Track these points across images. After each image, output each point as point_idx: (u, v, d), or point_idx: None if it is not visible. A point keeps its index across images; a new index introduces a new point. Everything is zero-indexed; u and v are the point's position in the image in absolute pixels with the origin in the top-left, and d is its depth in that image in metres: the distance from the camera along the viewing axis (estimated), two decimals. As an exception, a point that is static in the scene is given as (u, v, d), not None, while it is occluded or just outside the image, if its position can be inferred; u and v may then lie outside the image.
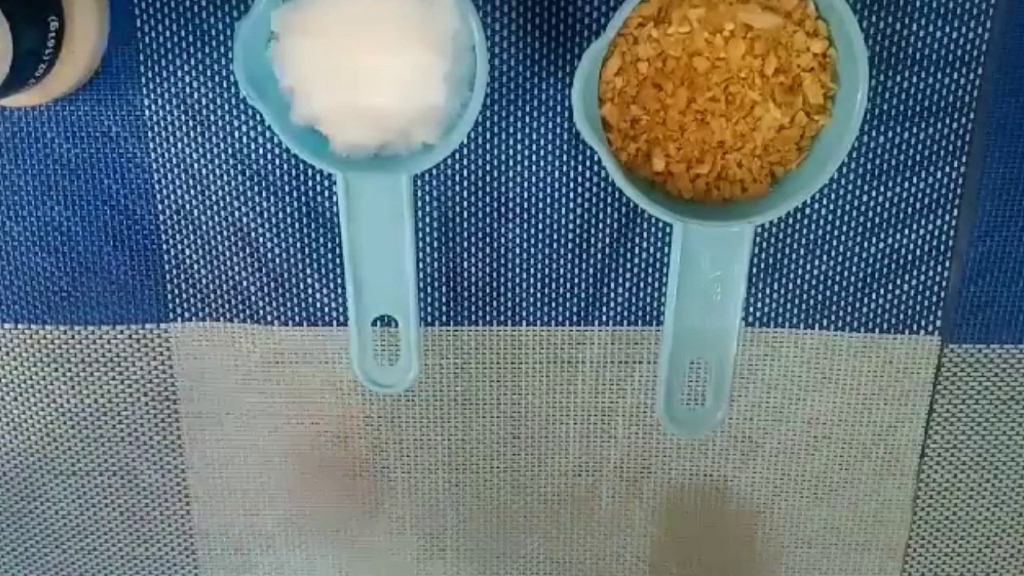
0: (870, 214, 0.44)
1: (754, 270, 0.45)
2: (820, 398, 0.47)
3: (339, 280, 0.46)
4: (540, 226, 0.45)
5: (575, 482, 0.49)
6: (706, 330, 0.42)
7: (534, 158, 0.44)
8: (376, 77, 0.38)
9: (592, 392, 0.48)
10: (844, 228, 0.44)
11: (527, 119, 0.43)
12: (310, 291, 0.46)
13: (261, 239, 0.45)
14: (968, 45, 0.41)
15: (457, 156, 0.44)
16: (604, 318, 0.46)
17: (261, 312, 0.46)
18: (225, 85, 0.43)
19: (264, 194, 0.44)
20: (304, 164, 0.44)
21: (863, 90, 0.38)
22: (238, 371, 0.47)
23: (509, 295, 0.46)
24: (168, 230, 0.45)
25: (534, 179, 0.44)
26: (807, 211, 0.44)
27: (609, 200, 0.44)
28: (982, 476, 0.49)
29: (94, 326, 0.47)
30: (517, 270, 0.46)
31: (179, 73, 0.43)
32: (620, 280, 0.46)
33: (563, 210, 0.45)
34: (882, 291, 0.45)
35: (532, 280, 0.46)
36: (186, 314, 0.46)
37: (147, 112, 0.43)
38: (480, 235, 0.45)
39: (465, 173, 0.44)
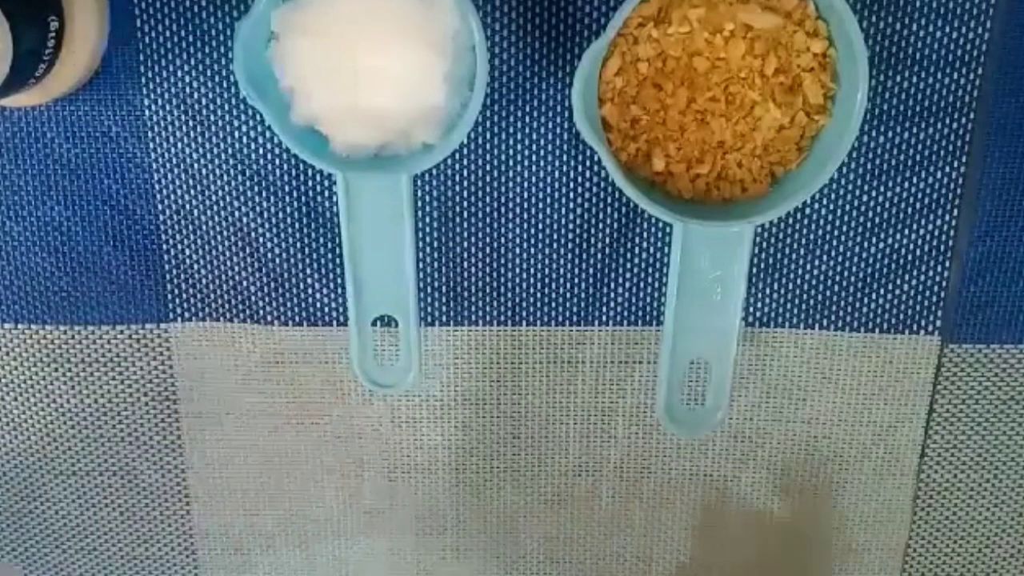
0: (870, 214, 0.44)
1: (754, 270, 0.45)
2: (820, 398, 0.47)
3: (339, 280, 0.46)
4: (540, 226, 0.45)
5: (575, 482, 0.49)
6: (706, 330, 0.42)
7: (534, 158, 0.44)
8: (376, 77, 0.38)
9: (592, 392, 0.48)
10: (844, 228, 0.44)
11: (527, 119, 0.43)
12: (310, 291, 0.46)
13: (261, 239, 0.45)
14: (968, 45, 0.41)
15: (457, 156, 0.44)
16: (604, 318, 0.46)
17: (261, 312, 0.46)
18: (225, 85, 0.43)
19: (264, 194, 0.44)
20: (304, 164, 0.44)
21: (863, 90, 0.38)
22: (238, 371, 0.47)
23: (509, 295, 0.46)
24: (168, 230, 0.45)
25: (534, 179, 0.44)
26: (807, 211, 0.44)
27: (609, 200, 0.44)
28: (982, 476, 0.49)
29: (94, 326, 0.47)
30: (517, 270, 0.46)
31: (179, 73, 0.43)
32: (620, 280, 0.46)
33: (563, 210, 0.45)
34: (882, 291, 0.45)
35: (532, 280, 0.46)
36: (186, 314, 0.46)
37: (147, 112, 0.43)
38: (480, 235, 0.45)
39: (465, 173, 0.44)
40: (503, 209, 0.45)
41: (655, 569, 0.51)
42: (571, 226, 0.45)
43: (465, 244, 0.45)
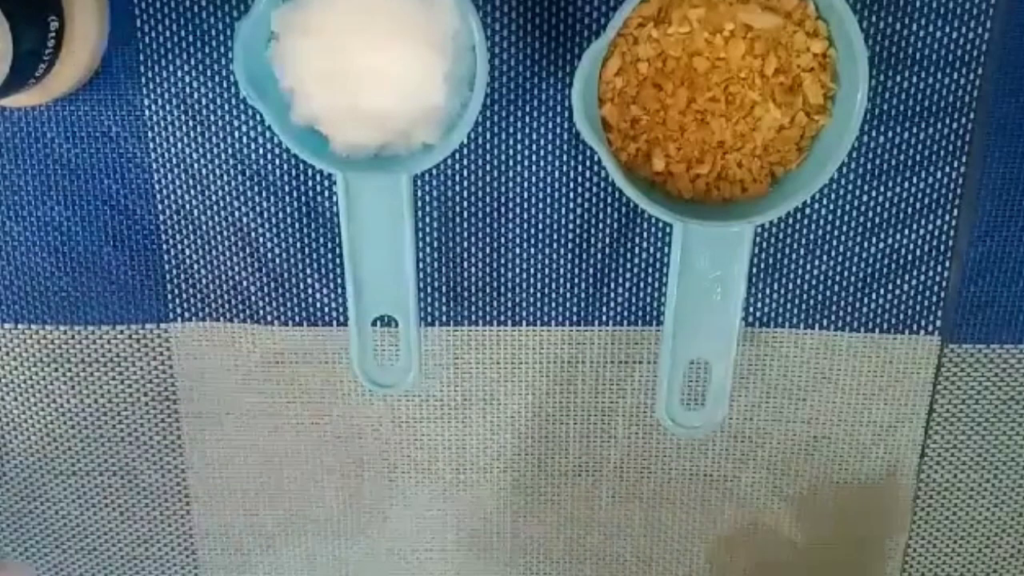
0: (870, 214, 0.44)
1: (754, 270, 0.45)
2: (820, 398, 0.47)
3: (339, 280, 0.46)
4: (540, 226, 0.45)
5: (575, 482, 0.49)
6: (706, 330, 0.42)
7: (534, 158, 0.44)
8: (376, 77, 0.38)
9: (592, 392, 0.48)
10: (844, 228, 0.44)
11: (527, 119, 0.43)
12: (310, 291, 0.46)
13: (261, 239, 0.45)
14: (968, 45, 0.41)
15: (457, 156, 0.44)
16: (604, 318, 0.46)
17: (261, 312, 0.46)
18: (225, 85, 0.43)
19: (264, 194, 0.44)
20: (304, 164, 0.44)
21: (863, 90, 0.38)
22: (238, 371, 0.47)
23: (509, 295, 0.46)
24: (168, 230, 0.45)
25: (534, 179, 0.44)
26: (807, 211, 0.44)
27: (609, 200, 0.44)
28: (982, 476, 0.49)
29: (94, 326, 0.47)
30: (517, 270, 0.46)
31: (179, 73, 0.43)
32: (620, 280, 0.46)
33: (563, 210, 0.45)
34: (882, 291, 0.45)
35: (532, 280, 0.46)
36: (186, 314, 0.47)
37: (147, 112, 0.43)
38: (480, 235, 0.45)
39: (465, 173, 0.44)
40: (503, 209, 0.45)
41: (655, 569, 0.51)
42: (571, 226, 0.45)
43: (465, 244, 0.45)
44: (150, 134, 0.44)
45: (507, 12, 0.42)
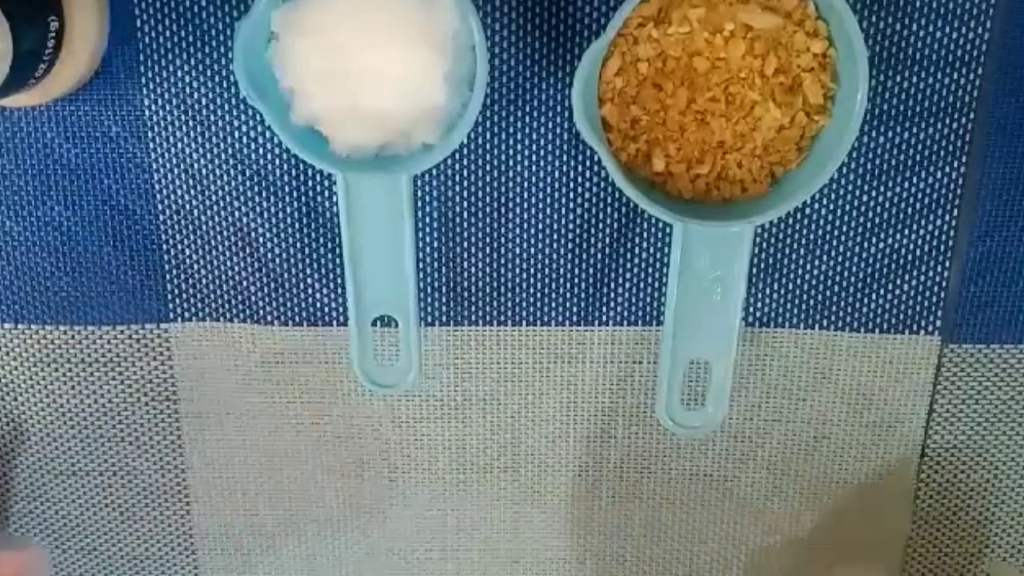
0: (870, 214, 0.44)
1: (754, 270, 0.45)
2: (820, 398, 0.47)
3: (339, 280, 0.46)
4: (540, 226, 0.45)
5: (575, 482, 0.49)
6: (706, 330, 0.42)
7: (534, 158, 0.44)
8: (376, 77, 0.38)
9: (592, 392, 0.48)
10: (844, 228, 0.44)
11: (527, 119, 0.43)
12: (310, 291, 0.46)
13: (261, 239, 0.45)
14: (968, 45, 0.41)
15: (457, 156, 0.44)
16: (604, 318, 0.46)
17: (261, 312, 0.46)
18: (225, 85, 0.43)
19: (264, 194, 0.44)
20: (304, 164, 0.44)
21: (863, 90, 0.38)
22: (238, 371, 0.47)
23: (509, 295, 0.46)
24: (168, 230, 0.45)
25: (534, 179, 0.44)
26: (807, 211, 0.44)
27: (609, 200, 0.44)
28: (982, 476, 0.48)
29: (94, 326, 0.47)
30: (517, 270, 0.46)
31: (179, 73, 0.43)
32: (620, 280, 0.46)
33: (563, 210, 0.45)
34: (882, 291, 0.45)
35: (532, 280, 0.46)
36: (186, 314, 0.47)
37: (147, 112, 0.43)
38: (480, 235, 0.45)
39: (465, 173, 0.44)
40: (503, 209, 0.45)
41: (655, 569, 0.51)
42: (571, 226, 0.45)
43: (465, 244, 0.45)
44: (150, 134, 0.44)
45: (507, 12, 0.42)
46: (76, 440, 0.49)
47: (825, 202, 0.44)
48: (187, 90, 0.43)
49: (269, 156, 0.44)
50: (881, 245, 0.45)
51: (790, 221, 0.44)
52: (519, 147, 0.44)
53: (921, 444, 0.48)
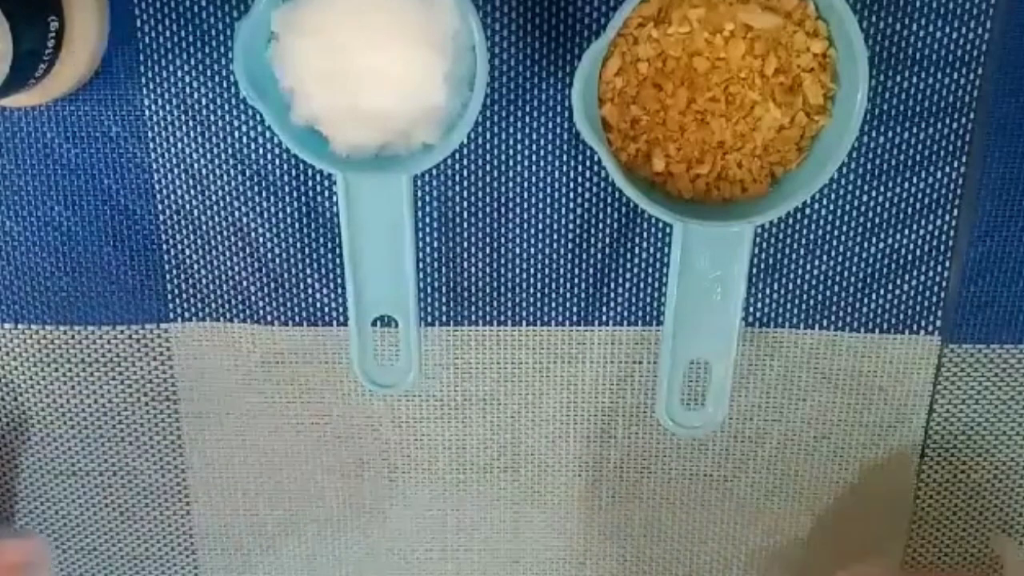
0: (870, 214, 0.44)
1: (754, 270, 0.45)
2: (820, 398, 0.47)
3: (339, 280, 0.46)
4: (540, 226, 0.45)
5: (575, 482, 0.49)
6: (706, 330, 0.42)
7: (534, 158, 0.44)
8: (376, 77, 0.38)
9: (592, 392, 0.48)
10: (844, 228, 0.44)
11: (527, 119, 0.43)
12: (310, 291, 0.46)
13: (261, 239, 0.45)
14: (968, 45, 0.41)
15: (457, 156, 0.44)
16: (604, 318, 0.46)
17: (261, 312, 0.46)
18: (225, 85, 0.43)
19: (264, 194, 0.44)
20: (304, 164, 0.44)
21: (863, 90, 0.38)
22: (238, 371, 0.47)
23: (509, 295, 0.46)
24: (168, 230, 0.45)
25: (534, 179, 0.44)
26: (807, 211, 0.44)
27: (609, 200, 0.44)
28: (982, 476, 0.48)
29: (94, 326, 0.47)
30: (517, 270, 0.46)
31: (179, 73, 0.43)
32: (620, 280, 0.46)
33: (563, 210, 0.45)
34: (882, 291, 0.45)
35: (532, 280, 0.46)
36: (186, 314, 0.47)
37: (147, 112, 0.43)
38: (480, 235, 0.45)
39: (465, 173, 0.44)
40: (503, 209, 0.45)
41: (655, 569, 0.51)
42: (571, 226, 0.45)
43: (465, 244, 0.45)
44: (150, 134, 0.44)
45: (507, 12, 0.42)
46: (76, 440, 0.49)
47: (825, 202, 0.44)
48: (187, 90, 0.43)
49: (269, 156, 0.44)
50: (881, 245, 0.45)
51: (790, 221, 0.44)
52: (519, 147, 0.44)
53: (921, 444, 0.48)
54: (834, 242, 0.45)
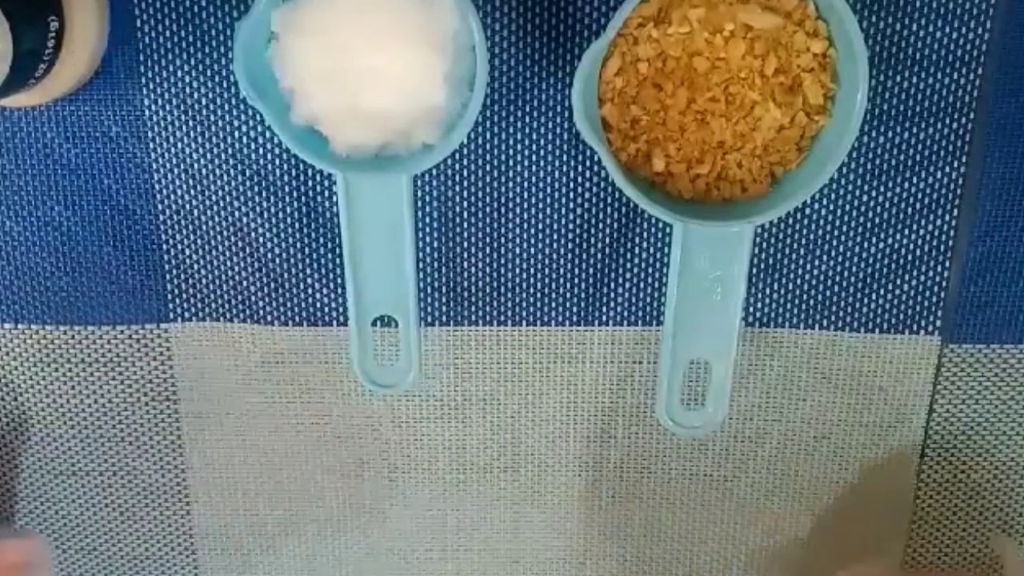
0: (870, 214, 0.44)
1: (754, 270, 0.45)
2: (820, 398, 0.47)
3: (339, 280, 0.46)
4: (540, 226, 0.45)
5: (575, 482, 0.49)
6: (706, 330, 0.42)
7: (534, 158, 0.44)
8: (376, 77, 0.38)
9: (592, 392, 0.48)
10: (844, 228, 0.44)
11: (527, 119, 0.43)
12: (310, 291, 0.46)
13: (261, 239, 0.45)
14: (968, 45, 0.41)
15: (457, 156, 0.44)
16: (604, 318, 0.46)
17: (261, 312, 0.46)
18: (225, 85, 0.43)
19: (264, 194, 0.44)
20: (304, 164, 0.44)
21: (863, 90, 0.38)
22: (238, 371, 0.47)
23: (509, 295, 0.46)
24: (168, 230, 0.45)
25: (534, 179, 0.44)
26: (807, 211, 0.44)
27: (609, 200, 0.44)
28: (982, 476, 0.48)
29: (94, 326, 0.47)
30: (517, 270, 0.46)
31: (179, 73, 0.43)
32: (620, 280, 0.46)
33: (563, 210, 0.45)
34: (882, 291, 0.45)
35: (532, 280, 0.46)
36: (186, 314, 0.47)
37: (147, 112, 0.43)
38: (480, 235, 0.45)
39: (465, 173, 0.44)
40: (503, 209, 0.45)
41: (655, 569, 0.51)
42: (571, 226, 0.45)
43: (465, 244, 0.45)
44: (150, 134, 0.44)
45: (507, 12, 0.42)
46: (76, 440, 0.49)
47: (825, 202, 0.44)
48: (187, 90, 0.43)
49: (269, 156, 0.44)
50: (881, 245, 0.45)
51: (790, 221, 0.44)
52: (519, 147, 0.44)
53: (921, 444, 0.48)
54: (834, 242, 0.45)
